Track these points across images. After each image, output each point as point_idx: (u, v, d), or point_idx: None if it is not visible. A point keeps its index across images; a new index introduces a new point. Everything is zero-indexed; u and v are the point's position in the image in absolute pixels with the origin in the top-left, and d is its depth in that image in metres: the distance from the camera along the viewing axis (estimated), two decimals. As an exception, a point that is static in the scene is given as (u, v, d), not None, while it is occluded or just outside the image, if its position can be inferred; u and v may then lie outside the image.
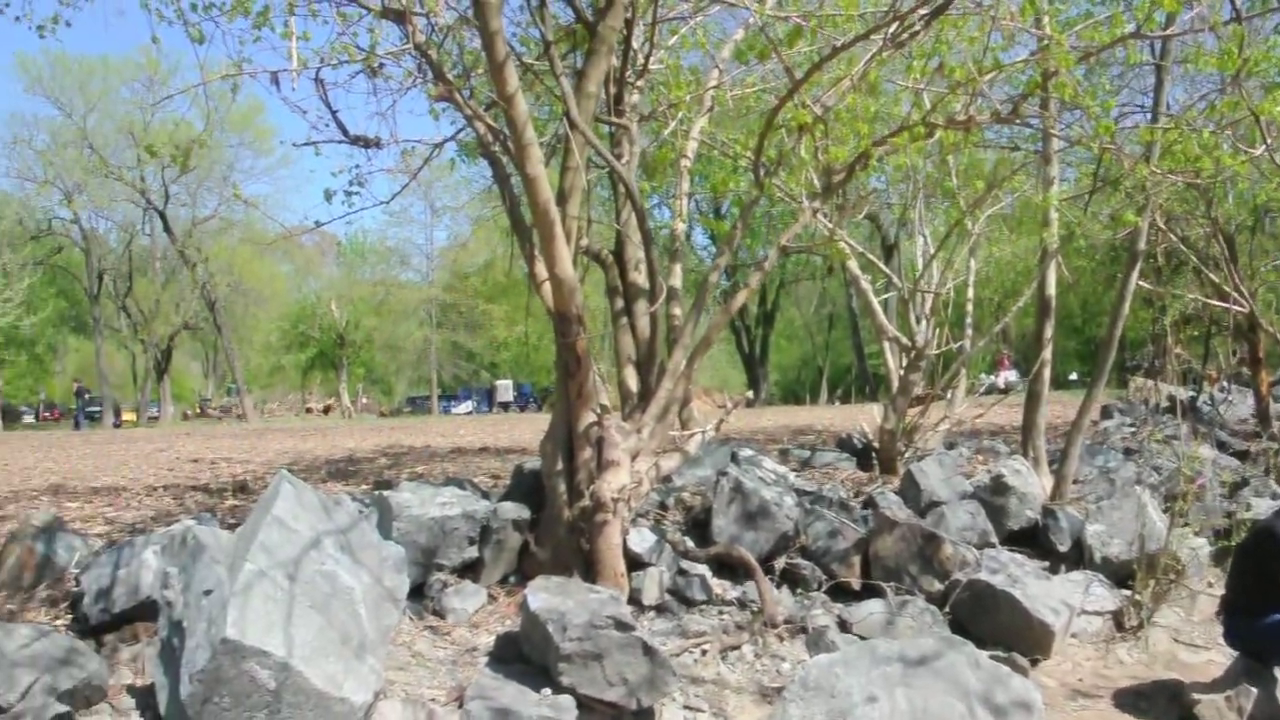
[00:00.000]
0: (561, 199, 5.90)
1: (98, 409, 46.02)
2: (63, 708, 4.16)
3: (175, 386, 54.36)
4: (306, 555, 4.26)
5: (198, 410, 54.64)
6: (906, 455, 9.41)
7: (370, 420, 38.60)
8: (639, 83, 7.10)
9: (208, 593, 4.10)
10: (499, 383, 54.01)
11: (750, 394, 18.89)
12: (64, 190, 44.18)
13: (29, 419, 53.29)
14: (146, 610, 5.02)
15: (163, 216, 45.02)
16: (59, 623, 5.13)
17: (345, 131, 6.61)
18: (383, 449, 14.29)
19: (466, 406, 53.48)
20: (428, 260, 53.00)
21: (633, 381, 6.69)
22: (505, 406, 50.98)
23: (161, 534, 5.48)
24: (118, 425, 41.45)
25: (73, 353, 58.53)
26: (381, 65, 6.75)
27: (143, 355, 49.25)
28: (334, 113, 6.57)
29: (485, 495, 6.70)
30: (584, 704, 4.55)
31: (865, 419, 11.01)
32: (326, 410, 56.11)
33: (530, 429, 18.00)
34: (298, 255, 53.29)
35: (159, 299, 46.93)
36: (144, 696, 4.46)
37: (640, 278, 6.72)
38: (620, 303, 6.80)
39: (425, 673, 4.95)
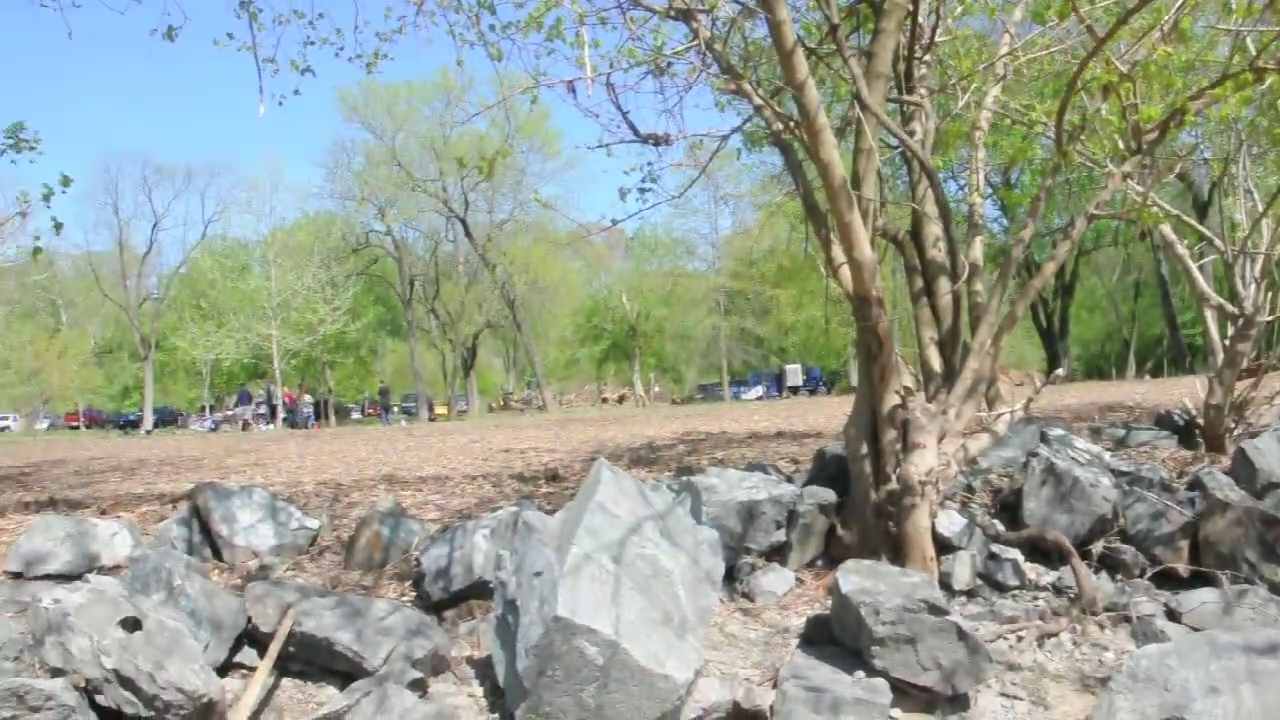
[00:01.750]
0: (856, 181, 5.87)
1: (413, 404, 50.00)
2: (417, 674, 4.62)
3: (480, 381, 58.20)
4: (629, 539, 4.50)
5: (501, 403, 58.04)
6: (1236, 432, 8.70)
7: (664, 408, 39.61)
8: (925, 57, 6.93)
9: (538, 574, 4.40)
10: (788, 367, 54.05)
11: (1060, 371, 17.92)
12: (378, 206, 48.58)
13: (356, 415, 58.75)
14: (479, 589, 5.48)
15: (464, 223, 48.46)
16: (405, 599, 5.66)
17: (636, 131, 6.83)
18: (680, 436, 14.62)
19: (756, 392, 53.86)
20: (713, 249, 53.80)
21: (935, 361, 6.56)
22: (794, 390, 50.96)
23: (489, 519, 5.93)
24: (432, 419, 44.97)
25: (390, 354, 63.51)
26: (669, 64, 6.93)
27: (451, 353, 53.09)
28: (624, 114, 6.81)
29: (789, 479, 6.77)
30: (897, 687, 4.54)
31: (1187, 394, 10.27)
32: (621, 400, 58.22)
33: (823, 413, 17.90)
34: (588, 252, 55.47)
35: (463, 300, 50.38)
36: (482, 668, 4.87)
37: (939, 255, 6.58)
38: (919, 281, 6.69)
39: (738, 653, 5.08)
